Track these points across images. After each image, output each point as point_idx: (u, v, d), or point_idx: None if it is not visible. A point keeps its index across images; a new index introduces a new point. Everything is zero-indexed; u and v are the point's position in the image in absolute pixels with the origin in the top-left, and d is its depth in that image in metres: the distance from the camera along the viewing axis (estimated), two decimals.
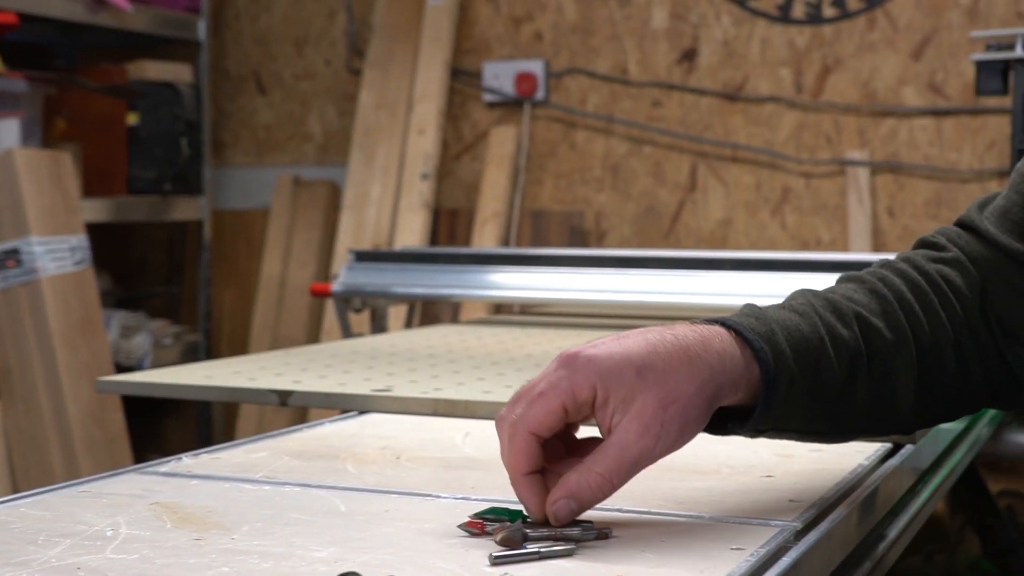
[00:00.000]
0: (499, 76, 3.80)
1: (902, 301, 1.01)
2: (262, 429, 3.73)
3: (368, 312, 2.61)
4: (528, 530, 0.86)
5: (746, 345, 0.91)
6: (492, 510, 0.91)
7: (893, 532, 1.17)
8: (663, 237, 3.66)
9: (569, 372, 0.86)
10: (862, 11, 3.46)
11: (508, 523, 0.88)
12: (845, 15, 3.47)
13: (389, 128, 3.77)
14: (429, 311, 3.60)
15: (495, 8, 3.83)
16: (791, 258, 2.41)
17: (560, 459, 0.90)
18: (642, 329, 0.90)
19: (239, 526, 0.92)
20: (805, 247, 3.52)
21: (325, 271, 3.85)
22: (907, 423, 1.03)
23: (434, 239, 3.80)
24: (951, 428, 1.64)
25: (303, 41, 4.08)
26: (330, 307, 3.63)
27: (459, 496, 1.02)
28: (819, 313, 0.97)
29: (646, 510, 0.97)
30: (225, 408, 3.99)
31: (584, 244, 3.72)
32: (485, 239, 3.66)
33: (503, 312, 3.36)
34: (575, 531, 0.86)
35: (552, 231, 3.73)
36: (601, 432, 0.88)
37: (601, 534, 0.88)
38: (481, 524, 0.89)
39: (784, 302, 0.99)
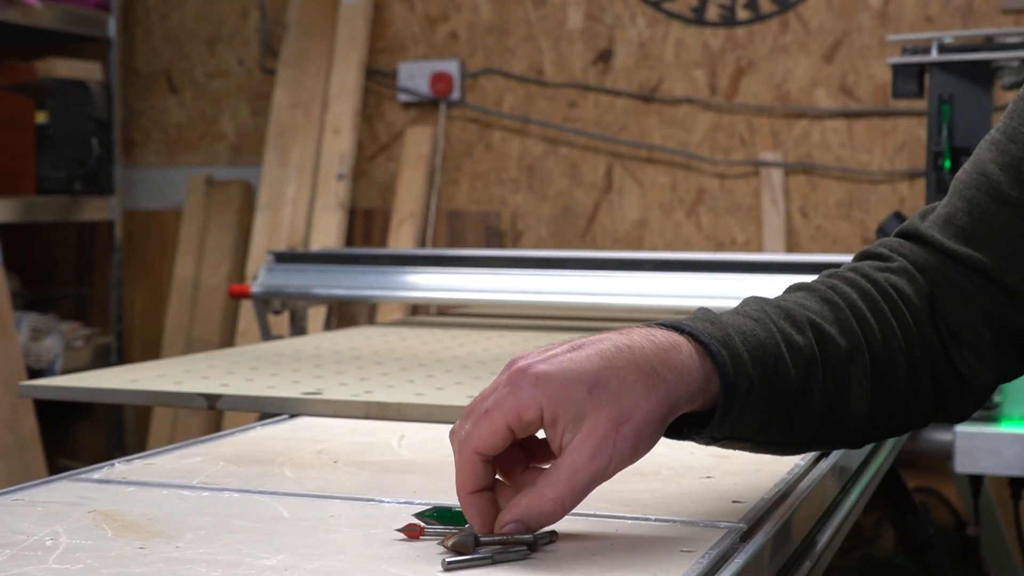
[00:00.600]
0: (414, 76, 3.79)
1: (854, 309, 1.01)
2: (176, 434, 3.68)
3: (287, 314, 2.59)
4: (479, 535, 0.86)
5: (706, 354, 0.89)
6: (435, 510, 0.91)
7: (828, 531, 1.18)
8: (579, 237, 3.68)
9: (513, 390, 0.83)
10: (775, 14, 3.50)
11: (456, 529, 0.87)
12: (758, 17, 3.51)
13: (304, 128, 3.74)
14: (345, 312, 3.58)
15: (410, 8, 3.82)
16: (708, 259, 2.43)
17: (516, 465, 0.89)
18: (597, 337, 0.87)
19: (182, 534, 0.91)
20: (720, 247, 3.55)
21: (240, 272, 3.82)
22: (858, 433, 1.02)
23: (349, 240, 3.78)
24: None
25: (215, 39, 4.04)
26: (246, 309, 3.60)
27: (401, 500, 1.02)
28: (773, 320, 0.96)
29: (591, 512, 0.97)
30: (137, 413, 3.94)
31: (500, 244, 3.72)
32: (401, 240, 3.65)
33: (420, 313, 3.35)
34: (527, 536, 0.86)
35: (468, 231, 3.73)
36: (552, 449, 0.85)
37: (551, 538, 0.87)
38: (420, 529, 0.89)
39: (737, 308, 0.98)
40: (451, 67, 3.76)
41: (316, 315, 3.11)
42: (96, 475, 1.12)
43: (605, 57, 3.65)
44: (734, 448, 0.98)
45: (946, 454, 2.07)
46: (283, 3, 3.92)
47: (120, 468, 1.15)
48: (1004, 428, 2.02)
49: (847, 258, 1.14)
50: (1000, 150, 1.03)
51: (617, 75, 3.64)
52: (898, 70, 2.20)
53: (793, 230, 3.50)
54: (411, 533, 0.89)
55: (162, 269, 4.04)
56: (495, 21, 3.74)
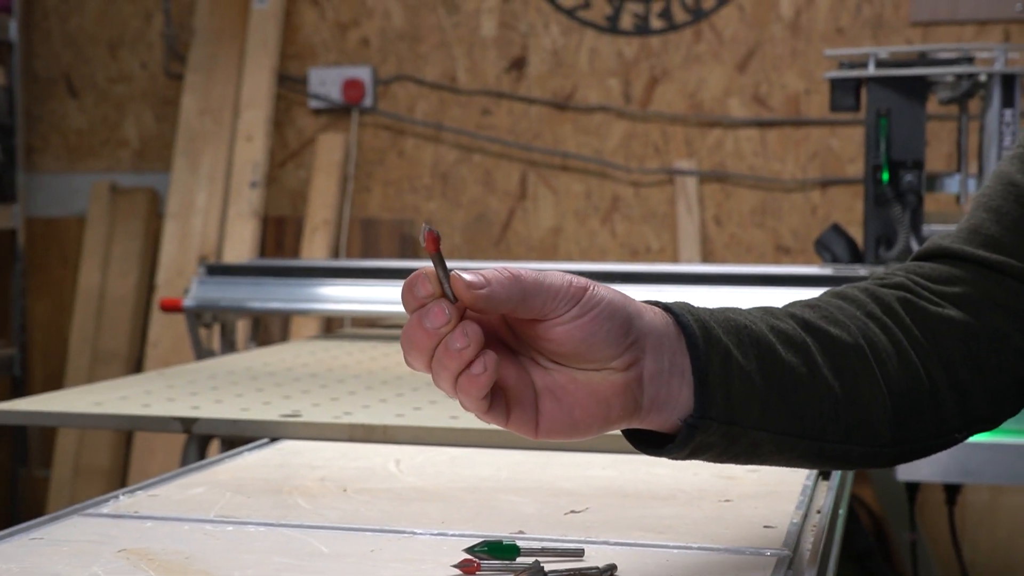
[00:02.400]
0: (326, 82, 3.76)
1: (841, 309, 0.97)
2: (83, 450, 3.61)
3: (216, 327, 2.54)
4: (544, 567, 0.85)
5: (668, 313, 0.86)
6: (485, 544, 0.90)
7: (835, 547, 1.20)
8: (494, 245, 3.68)
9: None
10: (688, 23, 3.53)
11: (517, 563, 0.87)
12: (672, 27, 3.54)
13: (215, 135, 3.68)
14: (261, 323, 3.53)
15: (320, 13, 3.78)
16: (625, 270, 2.44)
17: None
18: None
19: (229, 573, 0.88)
20: (635, 255, 3.58)
21: (148, 281, 3.74)
22: (884, 431, 0.94)
23: (262, 248, 3.73)
24: None
25: (117, 43, 3.96)
26: (158, 320, 3.54)
27: (435, 532, 1.00)
28: (747, 310, 0.92)
29: (633, 541, 0.97)
30: (41, 430, 3.82)
31: (414, 252, 3.70)
32: (315, 248, 3.61)
33: (333, 327, 3.33)
34: (592, 570, 0.86)
35: (382, 239, 3.71)
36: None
37: (612, 571, 0.87)
38: (475, 565, 0.88)
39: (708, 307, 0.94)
40: (363, 73, 3.73)
41: (243, 327, 3.06)
42: (105, 509, 1.09)
43: (519, 65, 3.66)
44: (755, 455, 0.90)
45: None
46: (188, 7, 3.86)
47: (126, 501, 1.12)
48: None
49: (763, 268, 1.12)
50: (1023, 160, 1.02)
51: (531, 83, 3.65)
52: (836, 84, 2.24)
53: (708, 238, 3.53)
54: (468, 569, 0.88)
55: (65, 278, 3.94)
56: (407, 28, 3.72)
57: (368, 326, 2.81)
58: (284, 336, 3.55)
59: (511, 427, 0.84)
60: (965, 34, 3.34)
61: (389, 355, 2.10)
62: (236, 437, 1.48)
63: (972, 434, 1.00)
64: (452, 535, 0.99)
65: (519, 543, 0.90)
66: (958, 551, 2.35)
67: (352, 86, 3.72)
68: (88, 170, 3.97)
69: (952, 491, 2.28)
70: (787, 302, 0.99)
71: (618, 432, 0.88)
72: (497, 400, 0.83)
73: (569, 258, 3.64)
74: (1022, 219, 1.00)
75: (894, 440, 0.95)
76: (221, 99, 3.71)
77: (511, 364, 0.83)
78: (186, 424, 1.46)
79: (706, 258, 3.53)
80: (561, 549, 0.92)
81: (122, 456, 3.61)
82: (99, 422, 1.50)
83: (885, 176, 2.19)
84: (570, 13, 3.61)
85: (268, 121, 3.67)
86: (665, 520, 1.04)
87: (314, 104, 3.78)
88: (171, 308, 2.45)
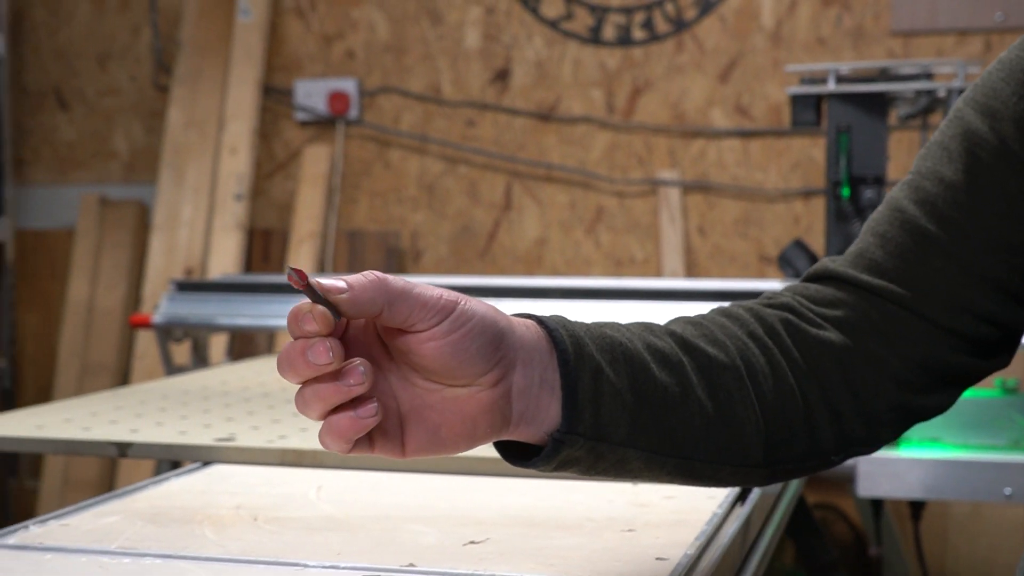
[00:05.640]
0: (311, 94, 3.77)
1: (723, 327, 0.97)
2: (71, 463, 3.62)
3: (189, 342, 2.56)
4: None
5: (542, 327, 0.87)
6: None
7: (750, 571, 1.20)
8: (479, 256, 3.68)
9: None
10: (670, 34, 3.54)
11: None
12: (654, 38, 3.55)
13: (200, 147, 3.70)
14: (244, 339, 3.54)
15: (305, 25, 3.79)
16: (610, 286, 2.45)
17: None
18: None
19: None
20: (619, 265, 3.58)
21: (135, 293, 3.76)
22: (755, 452, 0.95)
23: (248, 260, 3.75)
24: None
25: (106, 56, 3.98)
26: (144, 333, 3.55)
27: (327, 564, 1.01)
28: (626, 327, 0.93)
29: (520, 575, 0.98)
30: None
31: (400, 263, 3.71)
32: (301, 260, 3.62)
33: None
34: None
35: (368, 251, 3.72)
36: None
37: None
38: None
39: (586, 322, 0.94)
40: (348, 85, 3.74)
41: (217, 342, 3.08)
42: (11, 540, 1.10)
43: (503, 76, 3.66)
44: (624, 471, 0.91)
45: (848, 477, 2.10)
46: (175, 20, 3.88)
47: (35, 531, 1.13)
48: (904, 452, 2.06)
49: (746, 282, 1.12)
50: (914, 187, 1.02)
51: (515, 94, 3.66)
52: (796, 100, 2.24)
53: (691, 248, 3.54)
54: None
55: (54, 290, 3.96)
56: (392, 40, 3.73)
57: None
58: (271, 350, 3.56)
59: (377, 454, 0.85)
60: (945, 44, 3.34)
61: None
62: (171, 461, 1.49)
63: (849, 456, 1.01)
64: (343, 567, 1.00)
65: None
66: (923, 566, 2.35)
67: (337, 98, 3.74)
68: (78, 182, 3.99)
69: (917, 507, 2.28)
70: (671, 318, 1.00)
71: None
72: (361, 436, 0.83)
73: (554, 269, 3.64)
74: (906, 245, 1.01)
75: (766, 460, 0.96)
76: (206, 111, 3.72)
77: (377, 395, 0.83)
78: (121, 448, 1.47)
79: (690, 268, 3.53)
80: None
81: (110, 467, 3.63)
82: (35, 446, 1.51)
83: (846, 192, 2.19)
84: (553, 25, 3.62)
85: (253, 133, 3.69)
86: (562, 552, 1.05)
87: (300, 116, 3.79)
88: (140, 324, 2.47)
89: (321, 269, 3.67)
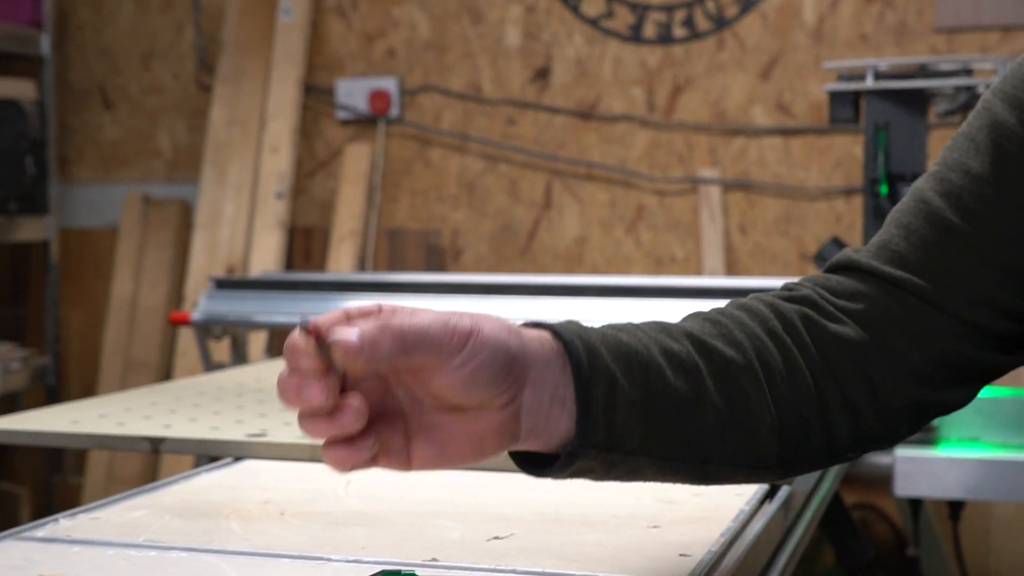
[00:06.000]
0: (353, 93, 3.79)
1: (741, 324, 0.97)
2: (115, 458, 3.65)
3: (228, 340, 2.57)
4: None
5: (557, 339, 0.86)
6: (383, 574, 0.91)
7: (776, 570, 1.20)
8: (519, 255, 3.68)
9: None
10: (711, 32, 3.52)
11: None
12: (695, 35, 3.53)
13: (242, 145, 3.72)
14: (284, 337, 3.56)
15: (347, 25, 3.81)
16: (648, 284, 2.44)
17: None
18: None
19: None
20: (660, 264, 3.57)
21: (178, 292, 3.79)
22: (770, 452, 0.95)
23: (289, 258, 3.76)
24: None
25: (150, 55, 4.01)
26: (185, 331, 3.57)
27: (350, 558, 1.01)
28: (643, 330, 0.92)
29: (539, 570, 0.98)
30: None
31: (441, 262, 3.72)
32: (341, 258, 3.64)
33: None
34: None
35: (409, 249, 3.73)
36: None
37: None
38: None
39: (606, 325, 0.93)
40: (389, 84, 3.75)
41: (257, 339, 3.09)
42: (40, 532, 1.11)
43: (543, 74, 3.66)
44: (637, 476, 0.91)
45: (885, 477, 2.09)
46: (218, 19, 3.90)
47: (64, 524, 1.14)
48: (942, 452, 2.05)
49: (787, 281, 1.10)
50: (939, 179, 1.01)
51: (555, 92, 3.65)
52: (834, 97, 2.23)
53: (732, 246, 3.52)
54: None
55: (98, 288, 4.00)
56: (433, 38, 3.74)
57: None
58: None
59: (381, 467, 0.85)
60: (989, 40, 3.31)
61: None
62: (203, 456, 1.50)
63: (865, 452, 1.00)
64: (367, 562, 1.00)
65: (429, 572, 0.91)
66: (963, 567, 2.33)
67: (378, 97, 3.75)
68: (122, 181, 4.03)
69: (956, 507, 2.26)
70: (689, 313, 1.00)
71: None
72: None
73: (594, 267, 3.64)
74: (930, 238, 0.99)
75: (780, 460, 0.96)
76: (248, 110, 3.74)
77: (384, 411, 0.83)
78: (154, 444, 1.48)
79: (730, 267, 3.51)
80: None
81: (152, 463, 3.66)
82: (69, 441, 1.52)
83: (884, 189, 2.17)
84: (594, 23, 3.61)
85: (293, 132, 3.70)
86: (585, 548, 1.05)
87: (341, 115, 3.81)
88: (179, 322, 2.48)
89: (361, 267, 3.68)
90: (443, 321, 0.81)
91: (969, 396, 1.02)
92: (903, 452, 2.06)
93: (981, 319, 0.98)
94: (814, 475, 1.51)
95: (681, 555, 1.02)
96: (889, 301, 0.99)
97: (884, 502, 3.18)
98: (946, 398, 1.00)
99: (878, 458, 2.12)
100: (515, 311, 2.35)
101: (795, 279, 1.06)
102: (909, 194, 1.04)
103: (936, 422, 2.17)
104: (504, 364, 0.82)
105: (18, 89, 3.62)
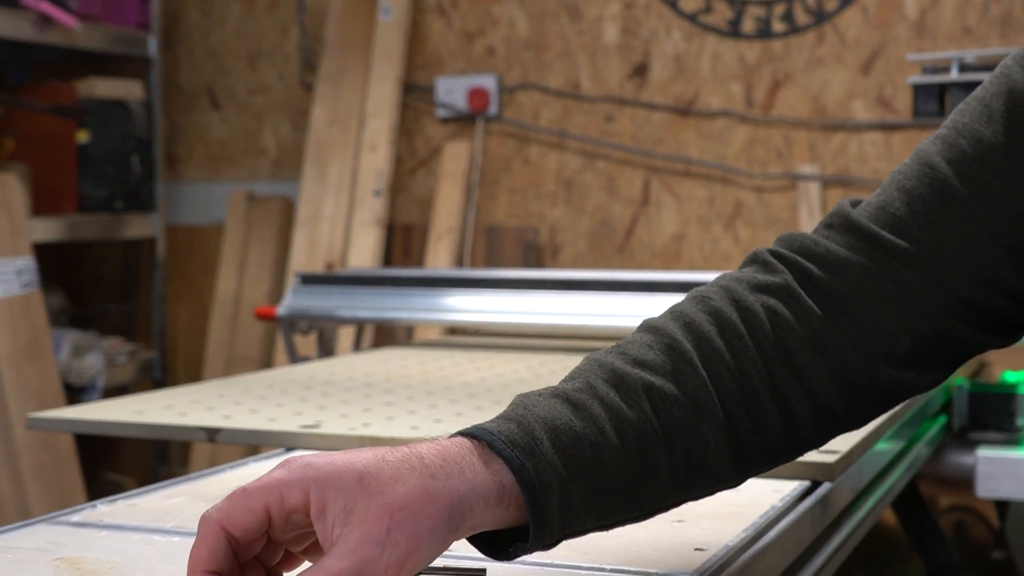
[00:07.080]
0: (452, 91, 3.81)
1: (706, 354, 0.92)
2: (217, 451, 3.72)
3: (315, 334, 2.61)
4: None
5: (497, 457, 0.82)
6: None
7: (809, 571, 1.18)
8: (617, 252, 3.67)
9: (284, 473, 0.78)
10: (811, 26, 3.48)
11: None
12: (794, 30, 3.49)
13: (342, 144, 3.77)
14: (384, 331, 3.59)
15: (447, 23, 3.83)
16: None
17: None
18: (377, 447, 0.82)
19: None
20: None
21: (279, 288, 3.85)
22: (728, 480, 0.95)
23: (388, 255, 3.80)
24: (885, 452, 1.65)
25: (256, 56, 4.08)
26: None
27: None
28: (600, 395, 0.88)
29: (548, 562, 0.97)
30: None
31: (538, 259, 3.72)
32: (439, 255, 3.66)
33: (457, 333, 3.36)
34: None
35: (506, 246, 3.74)
36: (324, 548, 0.77)
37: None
38: None
39: (562, 384, 0.89)
40: (488, 82, 3.77)
41: (346, 334, 3.13)
42: (75, 517, 1.13)
43: (641, 71, 3.65)
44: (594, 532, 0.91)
45: (968, 478, 2.05)
46: (322, 19, 3.95)
47: (101, 510, 1.16)
48: None
49: None
50: (948, 144, 0.95)
51: (653, 89, 3.64)
52: (918, 90, 2.18)
53: None
54: None
55: (204, 284, 4.08)
56: (532, 36, 3.75)
57: (480, 335, 2.81)
58: (409, 341, 3.61)
59: None
60: None
61: (459, 364, 2.12)
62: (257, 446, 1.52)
63: (834, 437, 0.97)
64: None
65: (441, 562, 0.91)
66: None
67: (477, 95, 3.77)
68: (228, 179, 4.10)
69: None
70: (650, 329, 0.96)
71: None
72: None
73: (692, 264, 3.61)
74: (932, 205, 0.94)
75: (738, 473, 0.95)
76: (348, 109, 3.79)
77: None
78: (210, 434, 1.51)
79: None
80: (463, 568, 0.92)
81: (250, 454, 3.72)
82: (129, 430, 1.56)
83: None
84: (692, 18, 3.59)
85: (392, 130, 3.74)
86: (600, 539, 1.04)
87: (441, 113, 3.83)
88: (265, 316, 2.52)
89: (459, 263, 3.70)
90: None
91: (942, 378, 0.98)
92: (985, 453, 2.01)
93: (979, 296, 0.94)
94: (867, 471, 1.49)
95: (696, 549, 1.01)
96: (881, 278, 0.94)
97: (983, 504, 3.10)
98: (921, 380, 0.96)
99: (961, 459, 2.08)
100: (613, 307, 2.34)
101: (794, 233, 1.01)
102: (913, 156, 0.98)
103: (1021, 421, 2.12)
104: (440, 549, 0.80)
105: (125, 89, 3.70)
